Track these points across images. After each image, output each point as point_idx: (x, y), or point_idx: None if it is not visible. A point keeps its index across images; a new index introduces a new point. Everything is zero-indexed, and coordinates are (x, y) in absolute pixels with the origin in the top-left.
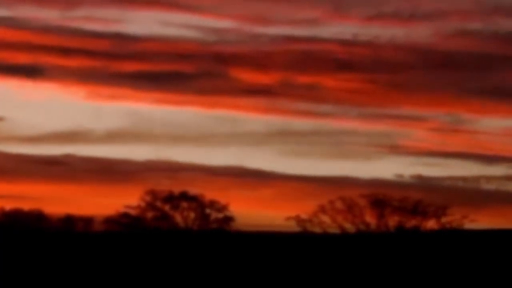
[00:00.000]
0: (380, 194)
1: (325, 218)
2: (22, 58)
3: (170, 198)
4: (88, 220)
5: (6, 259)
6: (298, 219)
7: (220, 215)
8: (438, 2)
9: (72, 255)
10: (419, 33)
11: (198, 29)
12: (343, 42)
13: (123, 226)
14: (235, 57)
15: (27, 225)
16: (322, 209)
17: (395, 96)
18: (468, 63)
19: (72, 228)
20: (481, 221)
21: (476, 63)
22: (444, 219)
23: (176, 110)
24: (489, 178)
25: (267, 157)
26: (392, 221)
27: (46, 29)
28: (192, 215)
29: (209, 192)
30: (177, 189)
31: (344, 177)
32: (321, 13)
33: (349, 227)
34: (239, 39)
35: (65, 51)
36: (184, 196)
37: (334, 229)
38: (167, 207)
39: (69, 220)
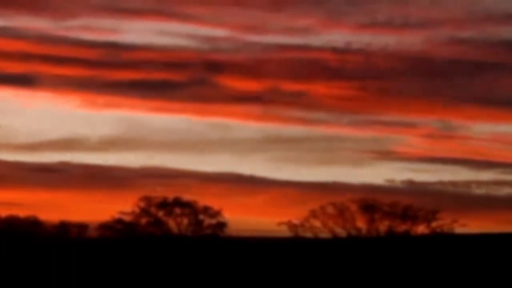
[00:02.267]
0: (370, 199)
1: (317, 223)
2: (18, 67)
3: (164, 204)
4: (82, 227)
5: (1, 266)
6: (290, 224)
7: (213, 221)
8: (430, 11)
9: (66, 261)
10: (411, 41)
11: (192, 38)
12: (336, 50)
13: (117, 232)
14: (228, 65)
15: (22, 232)
16: (314, 214)
17: (386, 103)
18: (458, 70)
19: (66, 235)
20: (471, 225)
21: (466, 70)
22: (434, 224)
23: (170, 117)
24: (479, 183)
25: (260, 163)
26: (383, 226)
27: (42, 39)
28: (185, 221)
29: (203, 198)
30: (170, 196)
31: (335, 183)
32: (314, 22)
33: (340, 232)
34: (232, 48)
35: (60, 60)
36: (178, 202)
37: (325, 234)
38: (161, 213)
39: (63, 227)
